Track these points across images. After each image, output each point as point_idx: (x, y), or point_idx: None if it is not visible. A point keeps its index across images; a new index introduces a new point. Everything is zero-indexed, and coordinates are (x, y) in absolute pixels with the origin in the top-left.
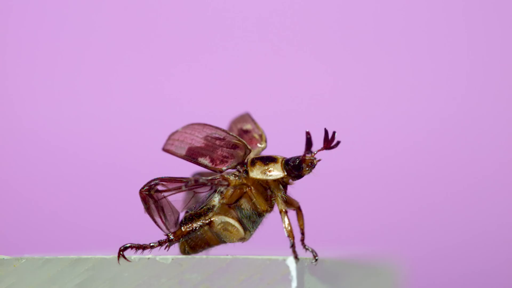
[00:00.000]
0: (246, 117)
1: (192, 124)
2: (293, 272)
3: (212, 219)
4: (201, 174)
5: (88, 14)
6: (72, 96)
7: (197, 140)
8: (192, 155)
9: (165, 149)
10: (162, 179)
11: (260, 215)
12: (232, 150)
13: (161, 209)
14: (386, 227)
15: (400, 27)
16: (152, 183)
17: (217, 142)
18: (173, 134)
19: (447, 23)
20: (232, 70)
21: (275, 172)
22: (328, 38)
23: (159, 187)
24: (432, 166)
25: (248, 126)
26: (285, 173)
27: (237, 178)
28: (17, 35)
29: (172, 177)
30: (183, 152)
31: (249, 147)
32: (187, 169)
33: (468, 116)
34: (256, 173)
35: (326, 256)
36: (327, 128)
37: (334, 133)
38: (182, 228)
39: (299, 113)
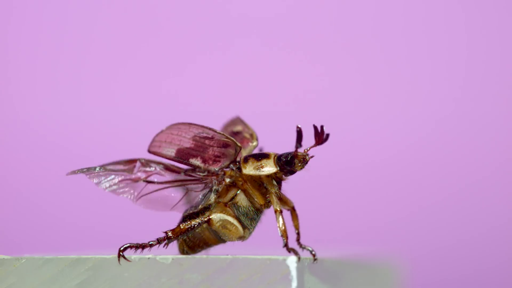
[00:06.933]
0: (236, 120)
1: (177, 124)
2: (293, 272)
3: (210, 217)
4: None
5: (89, 15)
6: (73, 96)
7: (186, 141)
8: (182, 157)
9: (151, 151)
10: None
11: (258, 211)
12: (223, 149)
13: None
14: (386, 227)
15: (397, 26)
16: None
17: (207, 141)
18: (157, 135)
19: (445, 23)
20: (228, 70)
21: (268, 168)
22: (323, 37)
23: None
24: (432, 165)
25: (238, 128)
26: (278, 168)
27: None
28: (18, 35)
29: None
30: (173, 154)
31: (239, 144)
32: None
33: (468, 116)
34: (249, 169)
35: (326, 256)
36: (316, 126)
37: (322, 127)
38: (181, 226)
39: (296, 112)
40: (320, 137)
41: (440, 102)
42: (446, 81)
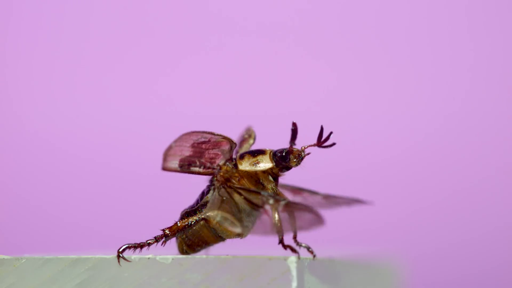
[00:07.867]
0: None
1: (181, 136)
2: (294, 272)
3: (208, 214)
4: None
5: (86, 14)
6: (71, 96)
7: (186, 149)
8: (183, 166)
9: (164, 168)
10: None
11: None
12: (217, 148)
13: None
14: (386, 227)
15: (401, 26)
16: None
17: (203, 146)
18: (167, 150)
19: (449, 22)
20: (228, 70)
21: (264, 163)
22: (327, 37)
23: None
24: (432, 166)
25: (244, 134)
26: (274, 164)
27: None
28: (16, 35)
29: None
30: (176, 165)
31: (234, 141)
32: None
33: (469, 116)
34: (245, 165)
35: (326, 256)
36: (323, 127)
37: (330, 133)
38: (178, 223)
39: (297, 113)
40: (323, 141)
41: (441, 104)
42: (449, 82)
